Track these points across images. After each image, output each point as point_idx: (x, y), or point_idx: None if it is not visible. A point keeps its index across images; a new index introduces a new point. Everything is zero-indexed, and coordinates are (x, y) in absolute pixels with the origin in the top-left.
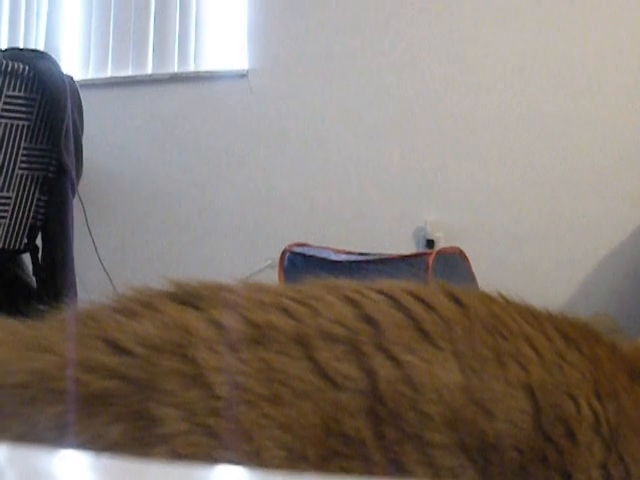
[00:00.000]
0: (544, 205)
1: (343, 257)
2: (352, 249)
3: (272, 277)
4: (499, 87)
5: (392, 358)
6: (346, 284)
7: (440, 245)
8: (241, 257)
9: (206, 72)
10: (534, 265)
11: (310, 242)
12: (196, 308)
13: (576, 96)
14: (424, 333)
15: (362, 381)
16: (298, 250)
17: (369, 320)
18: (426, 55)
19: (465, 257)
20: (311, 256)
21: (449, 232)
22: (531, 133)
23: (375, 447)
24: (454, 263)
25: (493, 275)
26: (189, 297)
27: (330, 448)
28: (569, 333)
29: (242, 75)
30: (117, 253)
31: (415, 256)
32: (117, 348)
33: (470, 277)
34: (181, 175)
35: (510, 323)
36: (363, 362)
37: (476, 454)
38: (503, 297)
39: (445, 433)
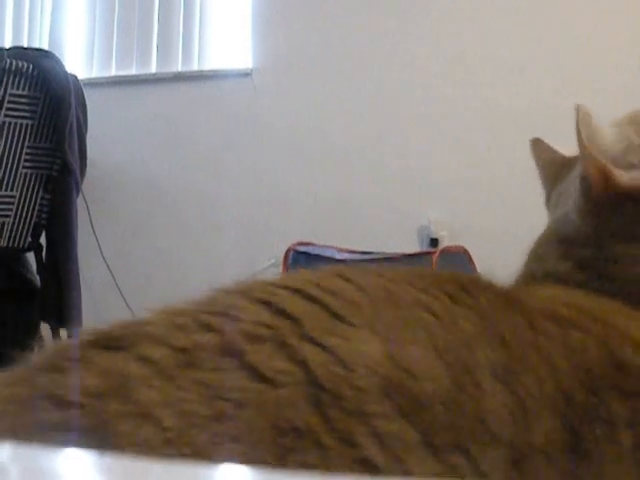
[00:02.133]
0: None
1: (347, 256)
2: (356, 248)
3: (276, 276)
4: (502, 85)
5: (317, 344)
6: (254, 285)
7: (444, 244)
8: (245, 256)
9: (210, 71)
10: None
11: (314, 241)
12: (121, 349)
13: (578, 96)
14: (337, 316)
15: (298, 373)
16: (302, 249)
17: (285, 315)
18: (429, 53)
19: (469, 256)
20: (315, 255)
21: (453, 231)
22: (535, 132)
23: (324, 432)
24: (458, 262)
25: (497, 274)
26: (110, 340)
27: (284, 446)
28: (453, 290)
29: (246, 74)
30: (121, 252)
31: (419, 255)
32: (62, 403)
33: None
34: (185, 174)
35: (402, 294)
36: (293, 354)
37: (413, 417)
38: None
39: (383, 402)
